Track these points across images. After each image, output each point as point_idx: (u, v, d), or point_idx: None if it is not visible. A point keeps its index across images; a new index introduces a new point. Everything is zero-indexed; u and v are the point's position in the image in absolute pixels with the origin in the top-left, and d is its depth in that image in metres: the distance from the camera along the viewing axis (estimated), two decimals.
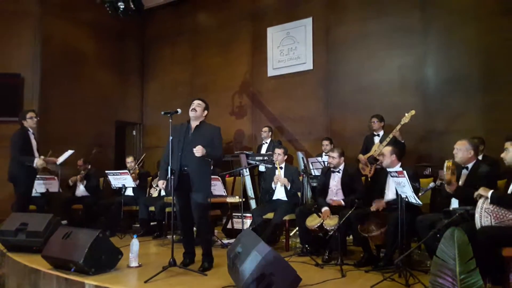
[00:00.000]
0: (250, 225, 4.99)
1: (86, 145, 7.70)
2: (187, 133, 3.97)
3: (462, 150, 3.64)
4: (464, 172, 3.67)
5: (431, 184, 3.71)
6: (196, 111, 3.97)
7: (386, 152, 4.26)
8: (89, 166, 6.71)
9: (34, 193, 5.73)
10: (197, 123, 3.99)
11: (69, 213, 6.36)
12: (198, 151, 3.75)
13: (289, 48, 7.55)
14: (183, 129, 4.01)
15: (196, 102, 4.03)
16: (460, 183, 3.61)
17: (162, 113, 3.96)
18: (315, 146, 6.87)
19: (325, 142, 6.18)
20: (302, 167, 5.49)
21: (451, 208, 3.58)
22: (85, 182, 6.50)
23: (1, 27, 7.30)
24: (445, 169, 3.46)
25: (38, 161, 5.19)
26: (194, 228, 4.13)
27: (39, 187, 5.98)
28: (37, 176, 5.60)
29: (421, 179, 4.38)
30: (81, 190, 6.55)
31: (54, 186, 6.09)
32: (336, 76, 7.07)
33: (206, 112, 4.07)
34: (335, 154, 4.66)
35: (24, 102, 7.22)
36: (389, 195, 4.18)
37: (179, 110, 3.95)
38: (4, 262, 4.57)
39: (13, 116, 6.76)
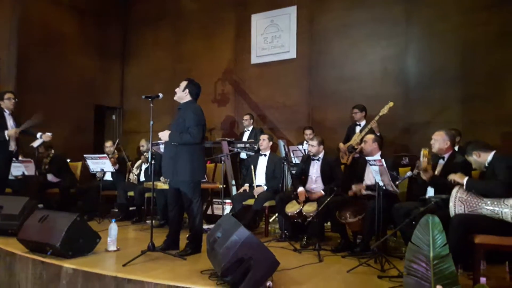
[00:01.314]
0: (230, 211, 5.00)
1: (64, 129, 7.55)
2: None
3: (439, 140, 3.73)
4: (441, 162, 3.76)
5: (408, 173, 3.79)
6: (176, 94, 3.92)
7: (368, 139, 4.33)
8: (52, 151, 6.55)
9: (9, 176, 5.60)
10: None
11: (45, 197, 6.23)
12: (160, 135, 3.74)
13: (273, 36, 7.52)
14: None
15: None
16: (436, 173, 3.70)
17: (143, 97, 3.90)
18: (297, 134, 6.91)
19: (308, 131, 6.21)
20: (283, 155, 5.52)
21: (427, 197, 3.67)
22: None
23: None
24: (421, 157, 3.55)
25: (8, 132, 5.07)
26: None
27: (15, 170, 5.83)
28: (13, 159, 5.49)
29: (399, 169, 4.46)
30: (50, 177, 6.44)
31: (30, 169, 5.94)
32: (319, 65, 7.10)
33: (187, 90, 3.88)
34: (314, 143, 4.72)
35: (0, 82, 7.00)
36: (368, 183, 4.26)
37: (160, 94, 3.89)
38: None
39: None
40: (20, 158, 5.89)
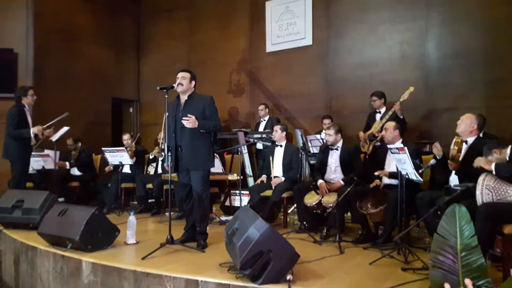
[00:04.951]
0: (248, 203, 4.96)
1: (82, 122, 7.60)
2: (178, 110, 3.86)
3: (465, 122, 3.63)
4: (464, 147, 3.62)
5: (432, 161, 3.68)
6: (183, 85, 3.81)
7: (389, 126, 4.21)
8: (79, 144, 6.64)
9: (30, 170, 5.67)
10: (186, 97, 3.87)
11: (66, 190, 6.32)
12: (189, 121, 3.60)
13: (288, 23, 7.37)
14: (175, 106, 3.90)
15: (180, 75, 3.86)
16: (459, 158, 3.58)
17: (158, 88, 3.84)
18: (314, 123, 6.79)
19: (326, 121, 6.07)
20: (301, 145, 5.43)
21: (451, 185, 3.54)
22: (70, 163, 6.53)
23: None
24: (452, 144, 3.43)
25: (34, 129, 5.13)
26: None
27: (35, 164, 5.92)
28: (33, 153, 5.54)
29: (422, 156, 4.33)
30: (75, 171, 6.54)
31: (49, 163, 6.02)
32: (336, 52, 6.93)
33: (193, 82, 3.90)
34: (331, 132, 4.62)
35: (19, 78, 7.06)
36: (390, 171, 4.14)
37: (174, 85, 3.83)
38: (0, 239, 4.55)
39: (8, 92, 6.65)
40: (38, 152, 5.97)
